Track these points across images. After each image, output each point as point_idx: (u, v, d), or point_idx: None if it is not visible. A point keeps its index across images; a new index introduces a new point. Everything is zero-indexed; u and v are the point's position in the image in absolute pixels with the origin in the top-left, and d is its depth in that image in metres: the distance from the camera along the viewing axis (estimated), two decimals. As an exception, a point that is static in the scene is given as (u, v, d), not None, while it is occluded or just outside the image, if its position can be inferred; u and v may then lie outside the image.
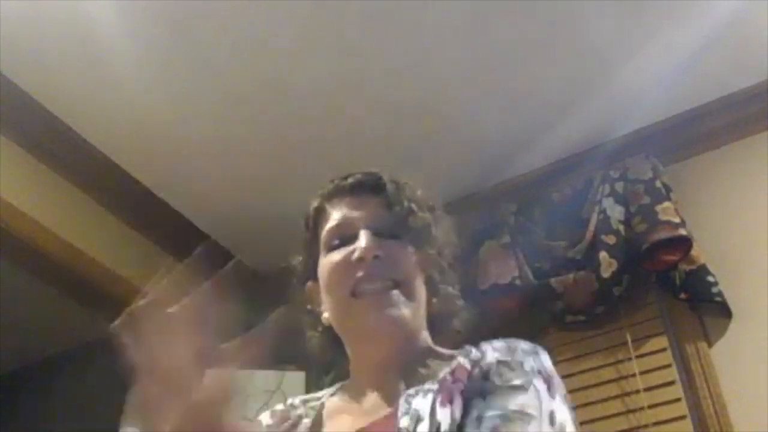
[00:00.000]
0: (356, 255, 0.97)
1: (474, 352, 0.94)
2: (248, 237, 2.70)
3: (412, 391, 0.90)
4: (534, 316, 2.43)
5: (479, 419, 0.84)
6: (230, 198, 2.64)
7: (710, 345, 2.20)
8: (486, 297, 2.39)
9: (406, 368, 0.97)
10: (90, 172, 2.47)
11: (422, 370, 0.96)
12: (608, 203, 2.35)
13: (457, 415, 0.84)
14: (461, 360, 0.93)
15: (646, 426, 2.15)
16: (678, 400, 2.17)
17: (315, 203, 1.08)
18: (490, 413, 0.83)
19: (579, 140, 2.52)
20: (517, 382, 0.87)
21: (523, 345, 0.93)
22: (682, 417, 2.14)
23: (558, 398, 0.88)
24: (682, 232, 2.20)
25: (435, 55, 2.23)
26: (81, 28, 2.05)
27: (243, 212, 2.68)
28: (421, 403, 0.87)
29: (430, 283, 1.03)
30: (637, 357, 2.25)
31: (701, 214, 2.33)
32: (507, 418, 0.83)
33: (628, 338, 2.28)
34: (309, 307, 1.07)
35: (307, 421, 0.99)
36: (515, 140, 2.52)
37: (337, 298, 0.99)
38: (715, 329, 2.21)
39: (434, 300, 1.03)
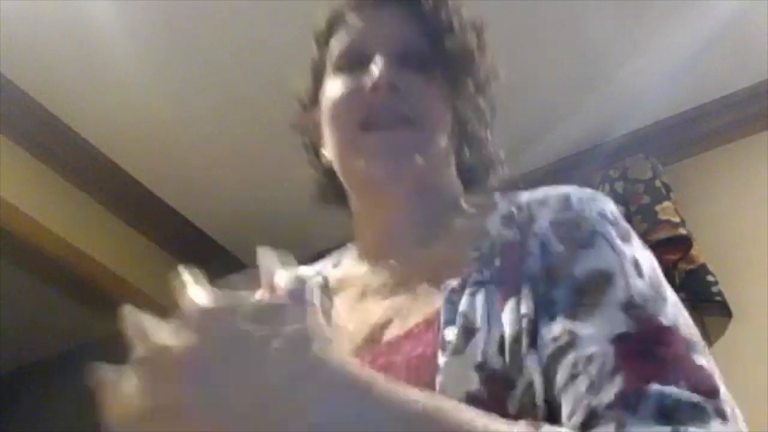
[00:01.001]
0: (368, 83, 0.76)
1: (516, 212, 0.73)
2: (248, 237, 2.70)
3: (455, 283, 0.69)
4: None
5: (549, 306, 0.64)
6: (230, 198, 2.64)
7: (710, 345, 2.20)
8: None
9: (424, 231, 0.78)
10: (90, 172, 2.47)
11: (448, 236, 0.78)
12: (608, 203, 2.35)
13: (525, 309, 0.64)
14: (506, 232, 0.72)
15: (646, 426, 2.15)
16: (678, 400, 2.17)
17: (331, 11, 0.87)
18: (559, 292, 0.64)
19: (579, 140, 2.52)
20: (580, 237, 0.67)
21: (575, 191, 0.73)
22: (682, 417, 2.14)
23: (635, 242, 0.71)
24: (682, 231, 2.21)
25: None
26: (81, 28, 2.05)
27: (243, 212, 2.68)
28: (471, 304, 0.67)
29: (462, 128, 0.82)
30: (637, 357, 2.25)
31: (701, 214, 2.33)
32: (581, 289, 0.63)
33: (628, 338, 2.28)
34: (308, 140, 0.89)
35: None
36: (515, 140, 2.51)
37: (339, 132, 0.79)
38: (715, 329, 2.21)
39: (466, 149, 0.83)
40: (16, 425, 3.21)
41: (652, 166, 2.37)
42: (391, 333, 0.71)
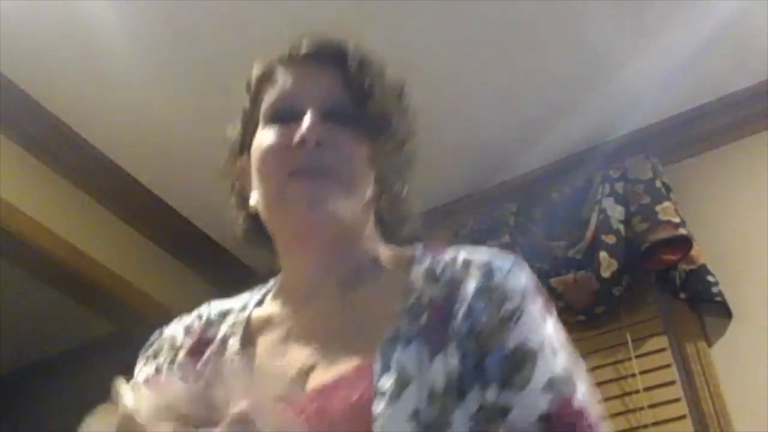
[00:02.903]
0: (296, 138, 0.80)
1: (439, 271, 0.79)
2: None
3: (389, 334, 0.74)
4: (534, 316, 2.42)
5: (481, 372, 0.71)
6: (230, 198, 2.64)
7: (710, 345, 2.21)
8: (486, 297, 2.39)
9: (345, 282, 0.83)
10: (90, 172, 2.47)
11: (368, 286, 0.82)
12: (608, 203, 2.35)
13: (453, 366, 0.70)
14: (430, 287, 0.78)
15: (646, 426, 2.15)
16: (678, 400, 2.17)
17: (263, 67, 0.92)
18: (490, 362, 0.71)
19: (579, 140, 2.52)
20: (506, 311, 0.73)
21: (499, 261, 0.79)
22: (682, 417, 2.15)
23: (550, 319, 0.77)
24: (682, 231, 2.21)
25: (435, 54, 2.22)
26: (81, 28, 2.05)
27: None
28: (405, 354, 0.71)
29: (381, 182, 0.86)
30: (637, 357, 2.25)
31: (701, 214, 2.33)
32: (510, 364, 0.70)
33: (628, 338, 2.28)
34: (236, 184, 0.92)
35: (234, 343, 0.83)
36: (515, 140, 2.52)
37: (267, 180, 0.83)
38: (715, 329, 2.21)
39: (382, 200, 0.87)
40: (16, 425, 3.21)
41: (652, 166, 2.37)
42: (317, 379, 0.74)
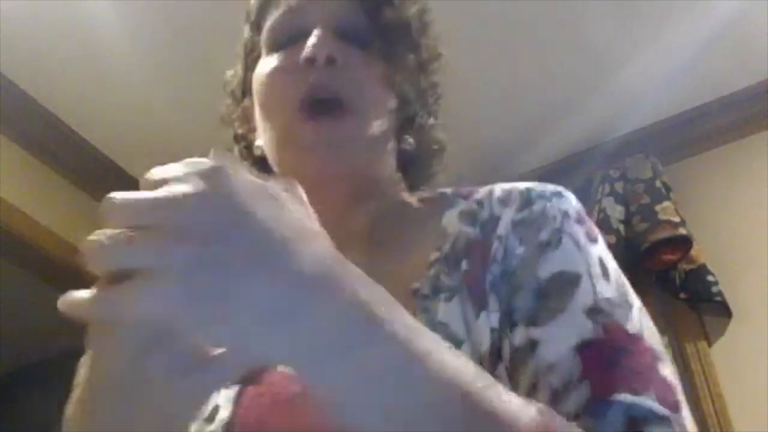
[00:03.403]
0: (304, 54, 0.68)
1: (477, 208, 0.68)
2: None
3: (426, 288, 0.63)
4: (534, 316, 2.42)
5: (510, 313, 0.60)
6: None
7: (710, 345, 2.21)
8: (486, 297, 2.39)
9: (370, 231, 0.72)
10: (90, 172, 2.47)
11: (396, 234, 0.72)
12: (608, 203, 2.35)
13: (494, 323, 0.60)
14: (466, 229, 0.67)
15: (646, 426, 2.15)
16: (678, 400, 2.17)
17: None
18: (520, 297, 0.60)
19: (579, 140, 2.52)
20: (543, 237, 0.63)
21: (540, 187, 0.68)
22: (682, 417, 2.15)
23: (601, 242, 0.67)
24: (682, 231, 2.21)
25: (435, 55, 2.23)
26: (81, 28, 2.05)
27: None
28: (448, 312, 0.61)
29: (403, 109, 0.75)
30: (637, 357, 2.25)
31: (701, 214, 2.33)
32: (544, 293, 0.59)
33: (628, 338, 2.28)
34: (240, 131, 0.81)
35: None
36: (515, 140, 2.52)
37: (274, 117, 0.71)
38: (715, 329, 2.21)
39: (407, 134, 0.77)
40: (16, 425, 3.21)
41: (652, 166, 2.37)
42: None
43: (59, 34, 2.07)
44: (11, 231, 2.21)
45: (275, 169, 0.74)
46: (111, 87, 2.23)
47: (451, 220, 0.69)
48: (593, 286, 0.59)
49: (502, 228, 0.65)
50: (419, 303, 0.63)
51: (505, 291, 0.61)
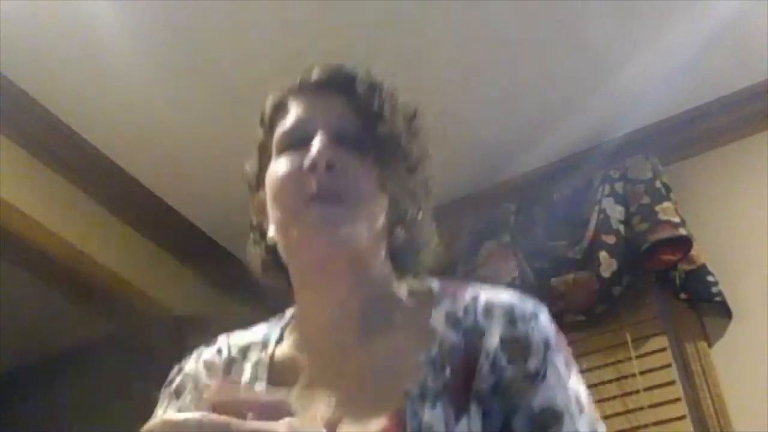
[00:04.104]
0: (307, 161, 0.80)
1: (462, 315, 0.79)
2: (248, 237, 2.70)
3: (415, 390, 0.74)
4: (534, 316, 2.42)
5: (506, 429, 0.73)
6: (230, 198, 2.64)
7: (710, 345, 2.21)
8: (486, 297, 2.39)
9: (365, 319, 0.82)
10: (90, 172, 2.47)
11: (389, 328, 0.82)
12: (608, 203, 2.35)
13: (476, 428, 0.72)
14: (453, 335, 0.78)
15: (646, 426, 2.16)
16: (678, 400, 2.18)
17: (275, 97, 0.93)
18: (517, 422, 0.73)
19: (579, 140, 2.52)
20: (532, 367, 0.74)
21: (521, 308, 0.79)
22: (682, 417, 2.15)
23: (574, 371, 0.79)
24: (682, 231, 2.21)
25: (434, 54, 2.23)
26: (81, 28, 2.05)
27: (243, 212, 2.67)
28: (433, 415, 0.72)
29: (393, 208, 0.85)
30: (637, 357, 2.25)
31: (701, 214, 2.33)
32: (535, 422, 0.72)
33: (628, 338, 2.28)
34: (255, 220, 0.92)
35: (261, 389, 0.82)
36: (515, 140, 2.52)
37: (282, 207, 0.83)
38: (715, 329, 2.21)
39: (398, 228, 0.85)
40: (16, 425, 3.21)
41: (652, 166, 2.37)
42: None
43: (59, 34, 2.07)
44: (11, 231, 2.21)
45: (282, 253, 0.85)
46: (111, 87, 2.23)
47: (438, 319, 0.80)
48: (573, 423, 0.73)
49: (488, 344, 0.76)
50: (410, 404, 0.73)
51: (497, 406, 0.73)
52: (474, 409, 0.72)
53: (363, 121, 0.85)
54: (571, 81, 2.33)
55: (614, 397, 2.24)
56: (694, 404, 2.14)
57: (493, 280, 2.41)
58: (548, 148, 2.53)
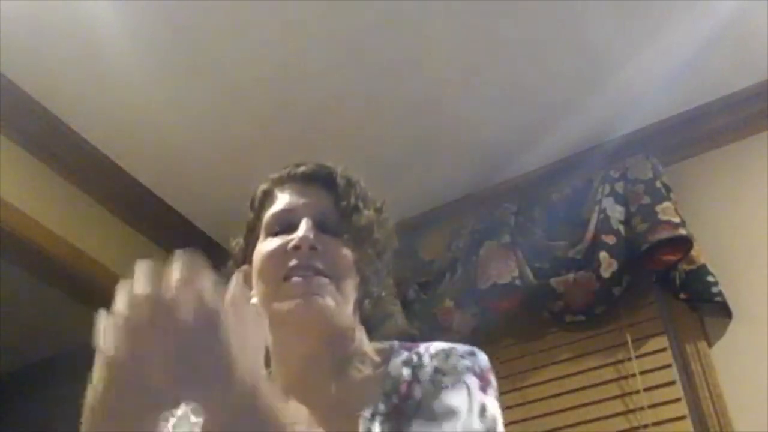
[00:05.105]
0: (293, 243, 0.94)
1: (415, 358, 0.94)
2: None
3: (367, 413, 0.88)
4: (534, 316, 2.43)
5: (409, 426, 0.85)
6: (230, 198, 2.64)
7: (710, 345, 2.21)
8: (486, 297, 2.39)
9: (334, 369, 0.95)
10: (90, 172, 2.47)
11: (354, 373, 0.95)
12: (608, 203, 2.35)
13: None
14: (404, 372, 0.92)
15: (646, 426, 2.16)
16: (678, 400, 2.17)
17: (264, 186, 1.06)
18: (418, 419, 0.85)
19: (579, 140, 2.52)
20: (447, 382, 0.88)
21: (461, 348, 0.94)
22: (682, 417, 2.15)
23: (491, 394, 0.90)
24: (682, 231, 2.21)
25: (435, 54, 2.23)
26: (81, 28, 2.05)
27: (243, 212, 2.68)
28: (380, 430, 0.86)
29: (363, 285, 0.99)
30: (637, 357, 2.25)
31: (701, 214, 2.33)
32: (432, 418, 0.85)
33: (628, 338, 2.28)
34: None
35: None
36: (515, 140, 2.52)
37: (266, 282, 0.95)
38: (715, 329, 2.21)
39: (366, 302, 1.00)
40: (16, 425, 3.21)
41: (652, 166, 2.37)
42: None
43: (59, 34, 2.07)
44: (11, 231, 2.21)
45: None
46: (111, 87, 2.23)
47: (395, 365, 0.94)
48: (469, 419, 0.85)
49: (425, 374, 0.91)
50: (363, 423, 0.87)
51: (412, 416, 0.86)
52: (406, 426, 0.85)
53: (341, 212, 0.99)
54: (571, 81, 2.33)
55: (614, 397, 2.24)
56: (694, 404, 2.14)
57: (492, 280, 2.42)
58: (548, 148, 2.53)
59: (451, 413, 0.85)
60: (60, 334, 3.10)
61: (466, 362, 0.91)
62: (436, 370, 0.90)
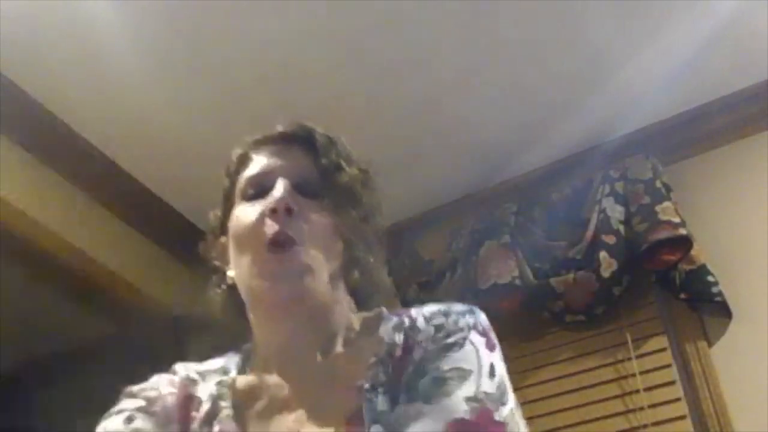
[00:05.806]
0: (269, 206, 0.87)
1: (407, 321, 0.88)
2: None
3: (368, 384, 0.82)
4: (534, 316, 2.43)
5: (412, 390, 0.79)
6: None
7: (710, 345, 2.21)
8: (486, 297, 2.39)
9: (319, 341, 0.89)
10: (90, 173, 2.47)
11: (342, 343, 0.89)
12: (608, 203, 2.35)
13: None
14: (396, 338, 0.86)
15: (646, 426, 2.16)
16: (678, 400, 2.18)
17: (239, 150, 1.00)
18: (423, 381, 0.79)
19: (579, 140, 2.52)
20: (451, 340, 0.83)
21: (458, 306, 0.88)
22: (682, 417, 2.15)
23: (497, 352, 0.84)
24: (682, 231, 2.21)
25: (435, 54, 2.23)
26: (81, 28, 2.05)
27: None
28: (384, 404, 0.81)
29: (349, 252, 0.91)
30: (637, 357, 2.25)
31: (701, 214, 2.33)
32: (441, 379, 0.79)
33: (628, 338, 2.28)
34: (216, 263, 0.98)
35: (226, 409, 0.87)
36: (515, 140, 2.52)
37: (242, 254, 0.89)
38: (715, 329, 2.21)
39: (354, 272, 0.92)
40: (16, 425, 3.21)
41: (652, 166, 2.37)
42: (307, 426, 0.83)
43: (59, 34, 2.07)
44: (11, 231, 2.21)
45: (245, 296, 0.90)
46: (111, 87, 2.23)
47: (386, 330, 0.89)
48: (479, 381, 0.78)
49: (423, 335, 0.85)
50: (364, 395, 0.81)
51: (414, 379, 0.81)
52: (403, 398, 0.80)
53: (321, 172, 0.92)
54: (571, 81, 2.33)
55: (614, 397, 2.24)
56: (694, 404, 2.15)
57: (492, 280, 2.42)
58: (548, 148, 2.53)
59: (461, 374, 0.79)
60: (60, 334, 3.10)
61: (468, 319, 0.85)
62: (437, 329, 0.85)
